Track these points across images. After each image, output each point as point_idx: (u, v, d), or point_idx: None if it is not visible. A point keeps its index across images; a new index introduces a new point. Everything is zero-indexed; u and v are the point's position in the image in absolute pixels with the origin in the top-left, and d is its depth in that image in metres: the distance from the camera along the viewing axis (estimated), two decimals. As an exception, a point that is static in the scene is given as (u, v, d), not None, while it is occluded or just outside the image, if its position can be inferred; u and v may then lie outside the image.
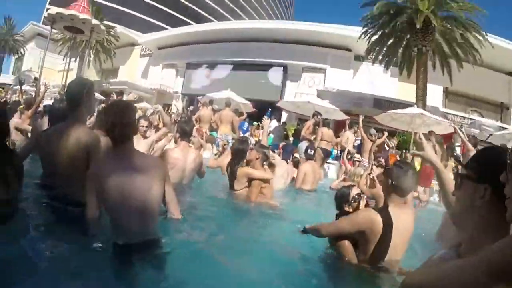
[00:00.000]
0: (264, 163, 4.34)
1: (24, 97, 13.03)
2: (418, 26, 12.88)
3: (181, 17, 72.40)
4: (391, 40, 15.54)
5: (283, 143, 9.61)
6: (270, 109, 15.62)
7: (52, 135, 2.57)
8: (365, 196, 2.89)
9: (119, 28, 30.58)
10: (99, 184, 2.06)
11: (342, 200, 2.80)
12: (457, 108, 19.39)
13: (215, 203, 4.18)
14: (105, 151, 2.55)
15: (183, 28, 28.10)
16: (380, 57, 16.36)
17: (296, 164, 6.74)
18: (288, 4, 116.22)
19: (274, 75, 22.27)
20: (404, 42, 15.36)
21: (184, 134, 4.27)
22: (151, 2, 71.34)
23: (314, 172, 5.94)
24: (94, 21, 14.44)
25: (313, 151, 6.07)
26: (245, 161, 4.36)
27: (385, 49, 16.06)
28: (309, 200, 5.56)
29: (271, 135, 12.16)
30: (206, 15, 74.87)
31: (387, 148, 10.16)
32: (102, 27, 15.43)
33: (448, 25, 14.13)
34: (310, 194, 5.77)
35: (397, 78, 18.34)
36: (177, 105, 22.19)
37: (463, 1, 13.79)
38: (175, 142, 4.69)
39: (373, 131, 9.99)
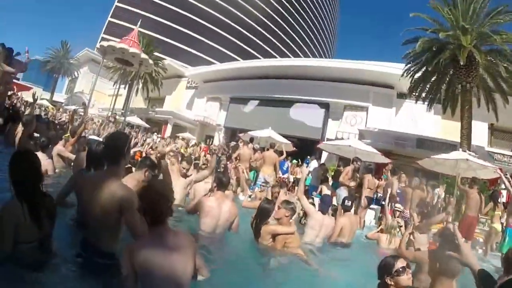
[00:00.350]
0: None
1: (75, 117, 13.82)
2: (462, 63, 12.54)
3: (228, 52, 74.72)
4: (434, 77, 15.16)
5: (324, 193, 9.46)
6: (308, 157, 15.51)
7: (89, 183, 2.68)
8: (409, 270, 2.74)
9: (168, 60, 32.12)
10: (137, 259, 2.10)
11: (384, 271, 2.60)
12: (503, 145, 18.20)
13: (242, 255, 4.29)
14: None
15: (229, 63, 28.97)
16: (423, 94, 15.96)
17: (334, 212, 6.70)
18: (331, 42, 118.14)
19: (316, 113, 22.21)
20: (448, 79, 14.97)
21: (221, 184, 4.36)
22: (199, 37, 74.20)
23: (351, 224, 5.84)
24: (143, 55, 15.08)
25: (350, 202, 6.03)
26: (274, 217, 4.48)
27: (428, 86, 15.63)
28: (341, 252, 5.43)
29: (310, 176, 12.20)
30: (251, 51, 77.04)
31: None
32: (150, 61, 16.13)
33: (492, 59, 13.61)
34: (344, 247, 5.67)
35: (440, 116, 17.69)
36: (220, 138, 22.67)
37: (506, 33, 13.18)
38: (211, 190, 4.74)
39: (416, 180, 9.62)
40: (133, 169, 4.73)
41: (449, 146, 14.05)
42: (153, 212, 2.22)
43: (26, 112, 6.31)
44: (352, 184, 9.07)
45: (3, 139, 5.33)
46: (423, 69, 14.98)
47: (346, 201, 5.98)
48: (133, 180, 3.79)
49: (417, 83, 15.62)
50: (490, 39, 13.10)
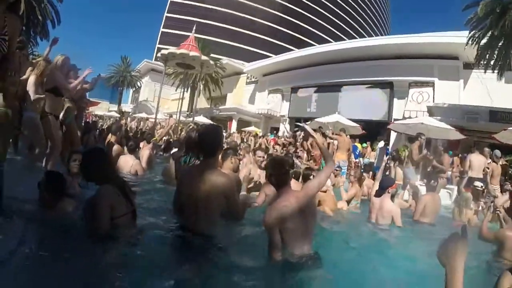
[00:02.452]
0: None
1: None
2: None
3: (283, 44, 74.78)
4: (501, 42, 13.84)
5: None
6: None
7: (189, 176, 2.90)
8: None
9: (225, 60, 33.18)
10: (277, 224, 2.65)
11: None
12: None
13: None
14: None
15: (285, 54, 29.01)
16: (492, 62, 14.59)
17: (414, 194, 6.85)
18: (385, 20, 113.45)
19: (380, 94, 21.79)
20: None
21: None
22: (252, 33, 74.89)
23: (435, 204, 5.71)
24: (203, 57, 15.85)
25: (436, 182, 6.00)
26: None
27: (496, 52, 14.31)
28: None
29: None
30: (307, 40, 76.45)
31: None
32: (211, 62, 16.92)
33: None
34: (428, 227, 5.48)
35: None
36: (286, 128, 22.97)
37: None
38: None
39: (498, 152, 9.10)
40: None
41: (527, 116, 13.25)
42: (274, 177, 2.85)
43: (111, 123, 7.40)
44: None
45: (82, 148, 6.24)
46: (488, 34, 13.78)
47: (432, 181, 5.98)
48: (225, 171, 4.04)
49: (484, 50, 14.41)
50: None
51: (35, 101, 4.81)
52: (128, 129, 15.13)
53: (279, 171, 2.85)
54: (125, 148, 6.96)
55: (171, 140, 11.30)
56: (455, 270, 1.15)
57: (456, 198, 6.83)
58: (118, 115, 33.35)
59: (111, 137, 7.24)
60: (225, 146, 6.37)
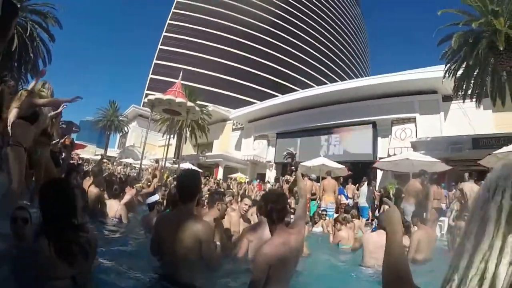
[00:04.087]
0: None
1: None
2: (501, 48, 11.83)
3: (266, 90, 76.72)
4: (476, 71, 14.37)
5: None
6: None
7: (167, 221, 2.85)
8: None
9: (211, 107, 33.42)
10: (270, 262, 2.42)
11: None
12: None
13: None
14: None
15: (269, 100, 29.34)
16: (470, 92, 15.11)
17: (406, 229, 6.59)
18: (364, 61, 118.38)
19: (364, 134, 21.87)
20: (490, 69, 14.16)
21: None
22: (236, 80, 76.89)
23: (429, 238, 5.54)
24: (189, 104, 15.81)
25: (427, 216, 5.84)
26: None
27: (472, 81, 14.80)
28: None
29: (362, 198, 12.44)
30: (289, 85, 78.68)
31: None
32: (197, 108, 16.90)
33: None
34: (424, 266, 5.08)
35: (491, 110, 16.73)
36: (270, 175, 22.82)
37: None
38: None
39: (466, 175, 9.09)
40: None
41: (507, 139, 13.33)
42: (275, 212, 2.63)
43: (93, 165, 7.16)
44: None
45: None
46: (463, 65, 14.27)
47: (424, 214, 5.81)
48: (210, 218, 3.99)
49: (461, 81, 14.88)
50: None
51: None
52: (116, 173, 14.78)
53: (282, 205, 2.70)
54: (105, 193, 6.74)
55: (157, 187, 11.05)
56: (394, 231, 1.35)
57: (448, 229, 6.65)
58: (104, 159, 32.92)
59: (91, 180, 6.96)
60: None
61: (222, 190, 10.06)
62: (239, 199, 6.88)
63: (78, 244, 2.16)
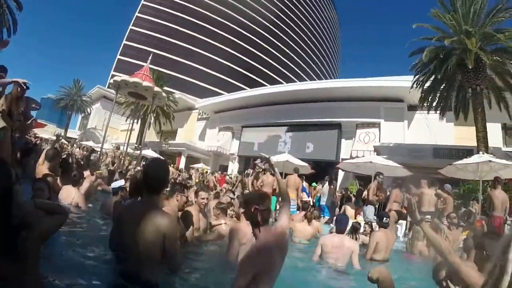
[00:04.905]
0: None
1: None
2: (470, 66, 12.34)
3: (236, 83, 76.27)
4: (443, 85, 15.00)
5: (348, 212, 9.53)
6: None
7: (130, 213, 2.60)
8: None
9: (178, 94, 32.91)
10: (257, 263, 2.28)
11: None
12: None
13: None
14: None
15: (237, 93, 29.28)
16: (434, 104, 15.70)
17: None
18: (335, 64, 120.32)
19: (328, 135, 22.13)
20: (457, 85, 14.80)
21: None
22: (206, 70, 76.01)
23: (388, 240, 5.63)
24: (156, 89, 15.33)
25: (387, 219, 5.90)
26: None
27: (438, 95, 15.42)
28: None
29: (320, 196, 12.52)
30: (259, 80, 78.61)
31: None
32: (164, 94, 16.45)
33: (499, 58, 13.41)
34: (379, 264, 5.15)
35: (453, 123, 17.46)
36: (233, 167, 22.63)
37: (509, 30, 12.98)
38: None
39: (448, 186, 9.65)
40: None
41: (466, 152, 13.96)
42: (263, 211, 2.50)
43: (48, 147, 6.46)
44: (375, 199, 9.14)
45: (21, 172, 5.52)
46: (431, 78, 14.91)
47: (385, 218, 5.86)
48: (170, 209, 3.81)
49: (427, 93, 15.49)
50: (494, 38, 13.04)
51: None
52: (74, 157, 14.16)
53: (266, 206, 2.55)
54: (58, 178, 6.19)
55: (115, 171, 10.62)
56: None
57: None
58: (63, 140, 31.52)
59: (43, 164, 6.35)
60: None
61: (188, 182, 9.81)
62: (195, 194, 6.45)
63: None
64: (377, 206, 9.61)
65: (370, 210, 8.84)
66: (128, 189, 4.90)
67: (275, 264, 2.36)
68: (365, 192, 10.33)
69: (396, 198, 9.29)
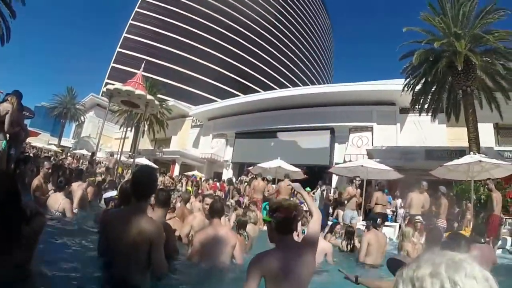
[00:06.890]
0: None
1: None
2: (460, 68, 12.50)
3: (229, 89, 76.20)
4: (434, 87, 15.14)
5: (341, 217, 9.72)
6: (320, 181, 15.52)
7: (116, 220, 2.61)
8: None
9: (171, 101, 32.74)
10: (266, 273, 2.19)
11: None
12: (511, 143, 17.85)
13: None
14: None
15: (231, 100, 29.23)
16: (426, 106, 15.82)
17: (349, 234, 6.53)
18: (328, 69, 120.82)
19: (322, 139, 22.18)
20: (447, 86, 14.98)
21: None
22: (200, 76, 75.88)
23: (379, 242, 5.53)
24: (149, 97, 15.20)
25: (380, 220, 5.85)
26: None
27: (429, 97, 15.58)
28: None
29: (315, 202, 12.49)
30: (252, 86, 78.59)
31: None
32: (156, 102, 16.32)
33: (488, 59, 13.58)
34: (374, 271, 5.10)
35: (445, 125, 17.69)
36: (228, 174, 22.57)
37: (498, 31, 13.13)
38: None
39: (443, 188, 9.83)
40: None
41: (458, 153, 14.03)
42: (286, 223, 2.37)
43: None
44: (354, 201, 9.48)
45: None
46: (422, 81, 15.02)
47: (378, 220, 5.83)
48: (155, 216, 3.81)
49: (418, 96, 15.63)
50: (483, 40, 13.18)
51: None
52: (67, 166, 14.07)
53: (292, 214, 2.40)
54: (49, 185, 6.29)
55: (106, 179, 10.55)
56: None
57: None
58: (57, 149, 31.34)
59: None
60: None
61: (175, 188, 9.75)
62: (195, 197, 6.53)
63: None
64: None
65: (348, 213, 9.14)
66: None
67: (293, 277, 2.25)
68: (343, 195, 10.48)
69: (378, 200, 9.36)
